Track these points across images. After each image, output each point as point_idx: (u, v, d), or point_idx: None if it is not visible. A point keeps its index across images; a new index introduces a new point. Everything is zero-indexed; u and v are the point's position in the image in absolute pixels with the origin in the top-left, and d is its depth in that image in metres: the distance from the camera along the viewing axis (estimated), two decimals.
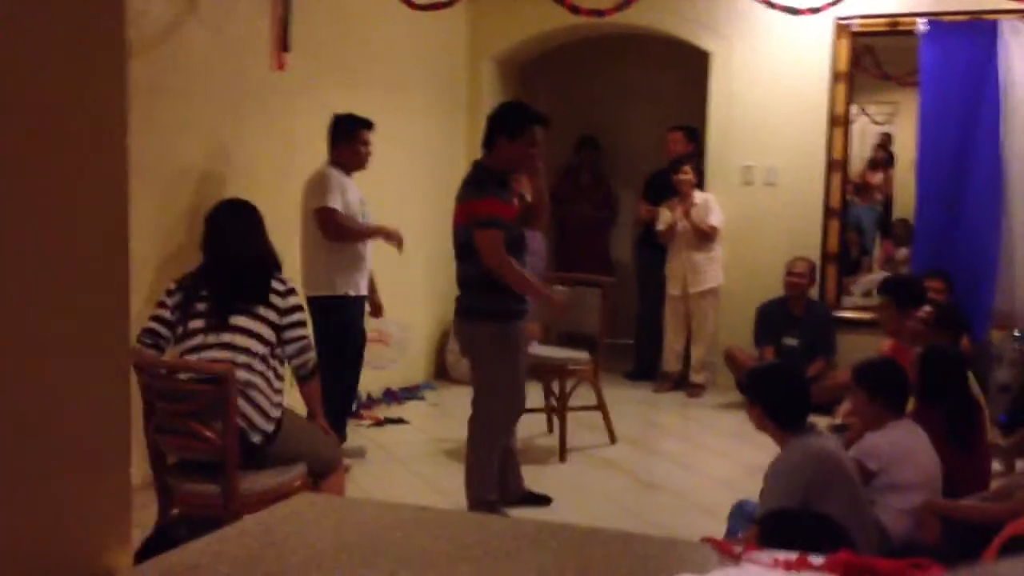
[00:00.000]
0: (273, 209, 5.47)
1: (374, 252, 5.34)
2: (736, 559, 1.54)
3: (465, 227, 4.26)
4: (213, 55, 5.07)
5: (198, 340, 3.61)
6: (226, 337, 3.60)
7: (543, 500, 4.70)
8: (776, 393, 3.41)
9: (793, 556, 1.51)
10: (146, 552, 2.36)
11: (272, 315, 3.67)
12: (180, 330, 3.66)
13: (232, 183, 5.26)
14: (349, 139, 5.15)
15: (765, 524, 2.43)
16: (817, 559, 1.49)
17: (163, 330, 3.67)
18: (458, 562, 1.55)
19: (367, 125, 5.22)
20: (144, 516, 3.59)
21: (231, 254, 3.76)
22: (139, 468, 3.76)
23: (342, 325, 5.15)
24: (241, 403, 3.47)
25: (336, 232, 5.07)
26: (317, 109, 5.72)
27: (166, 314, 3.68)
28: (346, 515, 1.76)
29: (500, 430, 4.46)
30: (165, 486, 3.51)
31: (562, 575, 1.52)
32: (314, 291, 5.12)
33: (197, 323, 3.63)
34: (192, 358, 3.59)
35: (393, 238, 5.33)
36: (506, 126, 4.29)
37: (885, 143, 8.41)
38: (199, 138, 5.03)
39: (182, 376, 3.49)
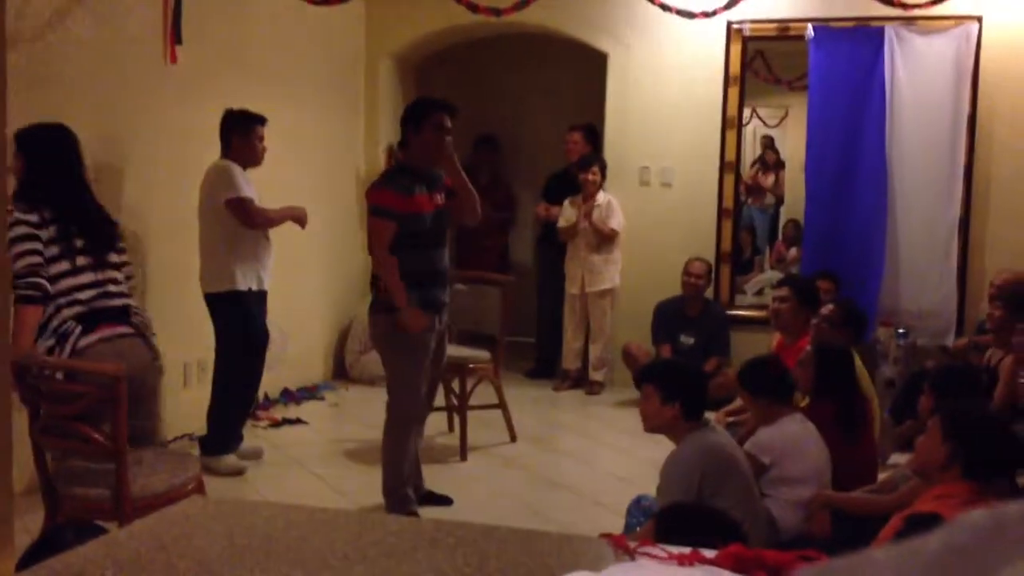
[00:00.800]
0: (170, 203, 5.37)
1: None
2: (631, 554, 1.55)
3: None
4: (101, 47, 4.92)
5: (88, 277, 3.65)
6: (110, 273, 3.71)
7: (444, 500, 4.69)
8: (678, 385, 3.46)
9: (686, 550, 1.53)
10: (31, 559, 2.27)
11: (119, 251, 3.88)
12: (63, 267, 3.61)
13: (126, 177, 5.12)
14: (243, 135, 5.06)
15: (661, 519, 2.46)
16: (709, 552, 1.52)
17: (45, 276, 3.58)
18: (354, 563, 1.53)
19: (261, 121, 5.13)
20: (32, 521, 3.48)
21: (89, 188, 3.90)
22: (24, 472, 3.65)
23: (242, 321, 5.05)
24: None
25: (256, 219, 4.98)
26: (211, 102, 5.60)
27: (41, 255, 3.60)
28: (239, 518, 1.72)
29: (402, 423, 4.42)
30: (51, 490, 3.40)
31: (459, 574, 1.51)
32: (213, 287, 5.02)
33: (83, 260, 3.65)
34: (84, 295, 3.63)
35: (303, 219, 5.32)
36: (410, 119, 4.38)
37: (771, 145, 8.64)
38: (89, 132, 4.86)
39: (61, 376, 3.38)
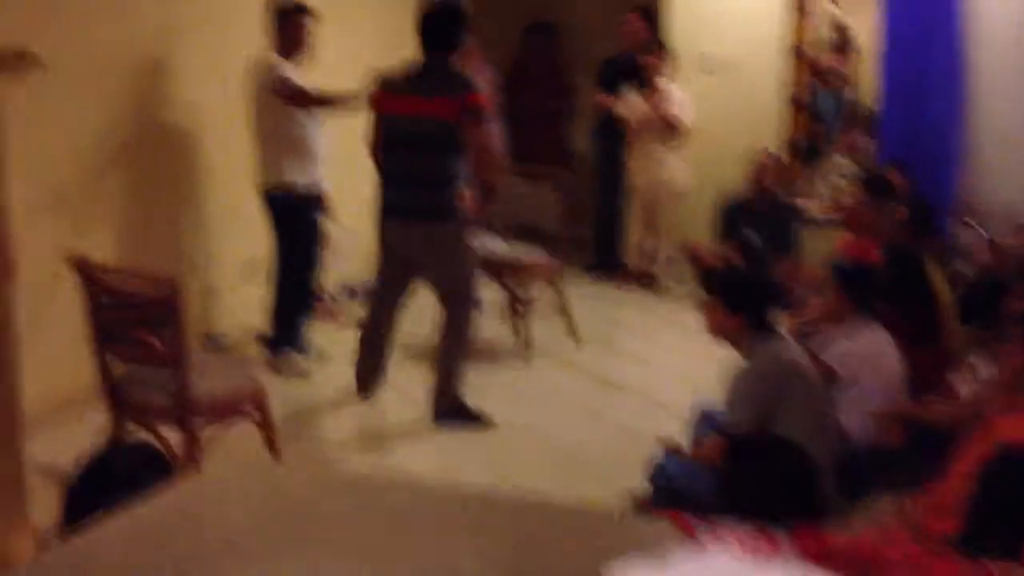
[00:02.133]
0: (221, 96, 5.25)
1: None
2: (695, 538, 1.44)
3: (456, 123, 4.21)
4: None
5: None
6: None
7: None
8: (755, 300, 3.33)
9: (756, 532, 1.42)
10: (81, 483, 2.26)
11: None
12: None
13: (177, 73, 5.01)
14: (284, 25, 4.89)
15: (731, 453, 2.43)
16: (780, 534, 1.41)
17: None
18: (390, 538, 1.42)
19: (302, 9, 4.94)
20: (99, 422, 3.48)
21: None
22: (84, 375, 3.64)
23: (297, 218, 4.96)
24: None
25: (305, 98, 4.82)
26: None
27: None
28: (269, 484, 1.62)
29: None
30: (116, 395, 3.40)
31: (505, 554, 1.40)
32: (267, 184, 4.93)
33: None
34: None
35: (352, 104, 4.85)
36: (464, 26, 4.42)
37: (842, 29, 8.23)
38: (134, 26, 4.75)
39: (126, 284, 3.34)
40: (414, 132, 4.27)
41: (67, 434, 4.05)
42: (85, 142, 4.49)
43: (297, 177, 4.91)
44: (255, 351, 5.13)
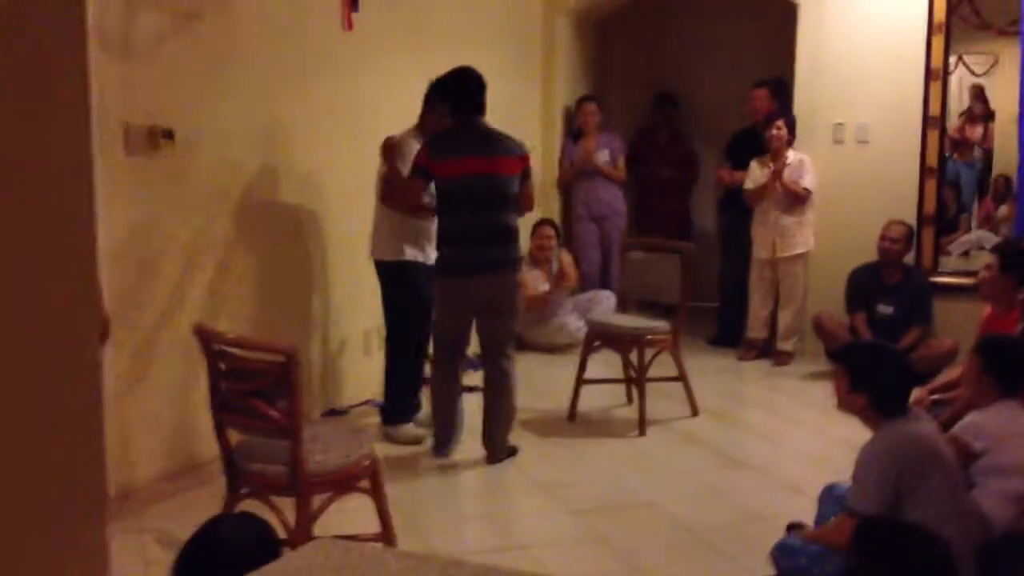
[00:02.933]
0: (347, 170, 5.38)
1: None
2: None
3: (515, 178, 4.62)
4: (281, 18, 4.93)
5: None
6: None
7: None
8: (882, 378, 3.16)
9: None
10: (187, 557, 2.26)
11: None
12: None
13: (305, 146, 5.15)
14: (435, 106, 4.86)
15: (859, 538, 2.28)
16: None
17: None
18: None
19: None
20: (221, 487, 3.51)
21: None
22: (209, 443, 3.69)
23: (410, 290, 4.97)
24: None
25: (389, 198, 4.87)
26: (385, 69, 5.57)
27: None
28: (365, 568, 1.56)
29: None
30: (232, 465, 3.43)
31: None
32: (381, 255, 4.99)
33: None
34: None
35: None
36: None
37: (979, 95, 7.97)
38: (269, 101, 4.91)
39: (245, 353, 3.38)
40: (484, 190, 4.53)
41: (187, 503, 4.13)
42: (213, 212, 4.63)
43: (409, 252, 4.95)
44: (371, 422, 5.15)
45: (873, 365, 3.21)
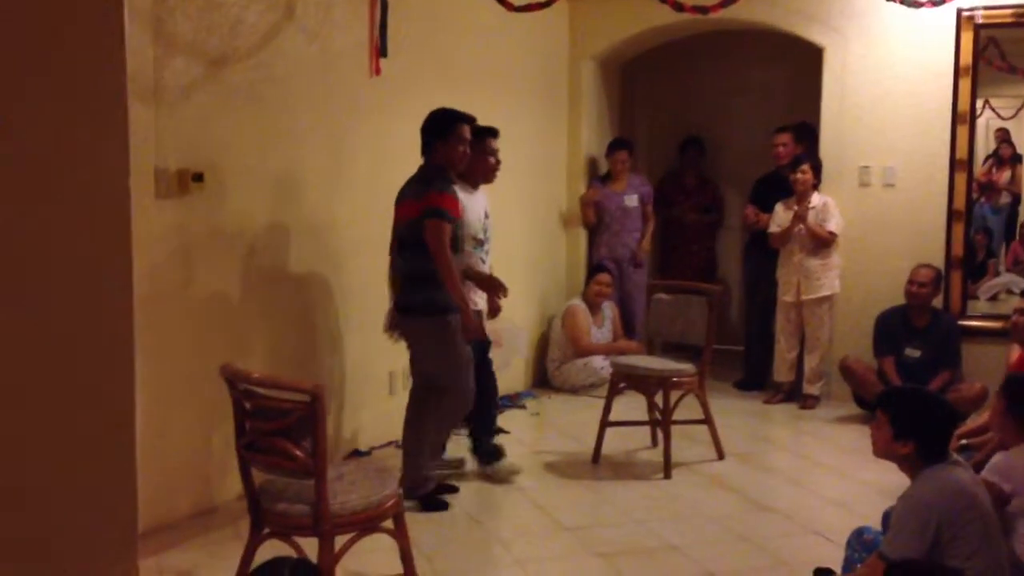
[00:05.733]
0: (373, 212, 5.43)
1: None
2: None
3: (415, 220, 4.50)
4: (310, 62, 5.01)
5: None
6: None
7: (451, 490, 4.85)
8: (929, 425, 3.11)
9: None
10: None
11: None
12: None
13: (333, 190, 5.20)
14: (475, 149, 4.85)
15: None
16: None
17: None
18: None
19: (492, 133, 5.03)
20: (245, 526, 3.52)
21: None
22: (236, 481, 3.70)
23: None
24: None
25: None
26: (414, 114, 5.61)
27: None
28: None
29: (458, 415, 4.83)
30: (256, 504, 3.43)
31: None
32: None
33: None
34: None
35: (496, 290, 4.92)
36: (436, 129, 4.66)
37: (1007, 138, 7.94)
38: (299, 146, 4.97)
39: (271, 392, 3.40)
40: (394, 235, 4.74)
41: (209, 543, 4.14)
42: (240, 254, 4.67)
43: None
44: (395, 463, 5.15)
45: (920, 412, 3.15)
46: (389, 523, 3.48)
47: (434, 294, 4.53)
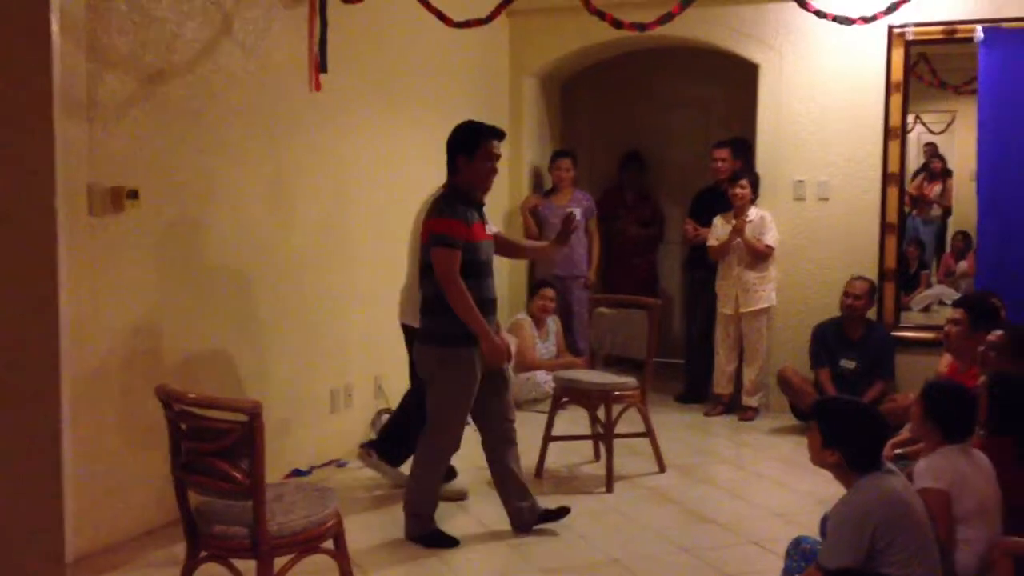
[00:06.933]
0: (320, 229, 5.40)
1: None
2: None
3: (425, 245, 4.30)
4: (249, 78, 4.97)
5: None
6: None
7: (561, 512, 4.62)
8: (856, 433, 3.17)
9: None
10: None
11: None
12: None
13: (274, 205, 5.16)
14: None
15: None
16: None
17: None
18: None
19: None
20: (181, 551, 3.47)
21: None
22: (170, 505, 3.65)
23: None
24: None
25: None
26: (356, 129, 5.62)
27: None
28: None
29: (443, 456, 4.57)
30: (193, 527, 3.38)
31: None
32: (410, 321, 4.76)
33: None
34: None
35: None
36: (463, 145, 4.33)
37: (936, 153, 8.14)
38: (238, 161, 4.93)
39: (208, 412, 3.36)
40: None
41: (144, 567, 4.07)
42: (177, 272, 4.61)
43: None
44: (336, 481, 5.12)
45: (847, 421, 3.22)
46: (329, 544, 3.45)
47: (446, 323, 4.25)
